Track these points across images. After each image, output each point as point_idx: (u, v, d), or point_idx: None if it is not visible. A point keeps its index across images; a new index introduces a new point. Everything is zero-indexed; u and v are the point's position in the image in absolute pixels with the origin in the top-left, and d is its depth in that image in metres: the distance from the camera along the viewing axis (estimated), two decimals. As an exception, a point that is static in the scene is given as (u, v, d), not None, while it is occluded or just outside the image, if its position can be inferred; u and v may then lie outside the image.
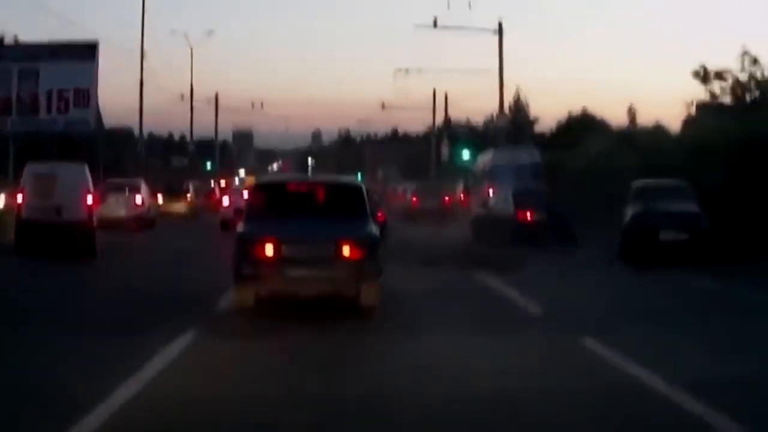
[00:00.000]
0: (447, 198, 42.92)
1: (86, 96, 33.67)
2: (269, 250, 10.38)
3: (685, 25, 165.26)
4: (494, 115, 46.46)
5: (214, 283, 13.60)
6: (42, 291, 13.93)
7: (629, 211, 19.79)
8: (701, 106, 40.89)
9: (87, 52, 33.94)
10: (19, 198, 19.70)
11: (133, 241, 26.24)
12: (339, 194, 11.76)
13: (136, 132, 49.45)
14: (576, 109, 53.48)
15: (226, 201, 32.38)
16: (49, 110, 33.59)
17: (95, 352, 8.82)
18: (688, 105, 39.76)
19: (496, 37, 42.16)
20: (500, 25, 42.21)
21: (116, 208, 29.73)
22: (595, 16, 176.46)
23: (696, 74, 35.33)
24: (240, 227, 11.21)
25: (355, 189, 11.85)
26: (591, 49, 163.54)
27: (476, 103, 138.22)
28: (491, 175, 33.01)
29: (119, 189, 31.28)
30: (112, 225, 27.09)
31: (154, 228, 31.87)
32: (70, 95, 33.60)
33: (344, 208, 11.34)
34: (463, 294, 14.43)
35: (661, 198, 19.66)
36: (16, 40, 35.03)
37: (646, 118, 70.62)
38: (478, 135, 71.37)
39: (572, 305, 12.96)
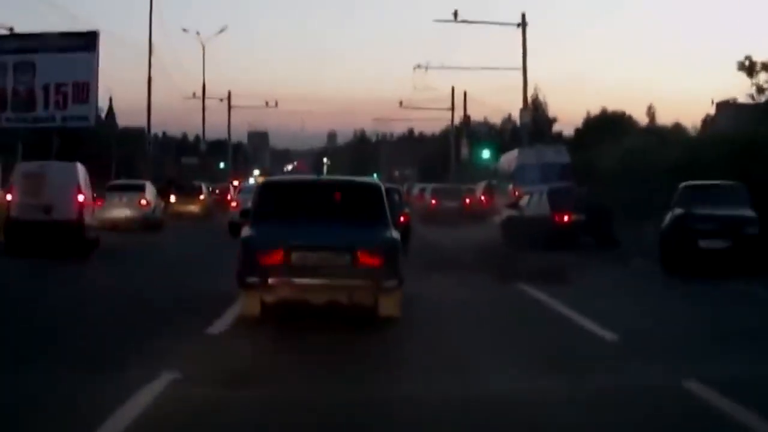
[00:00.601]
0: (467, 199, 40.45)
1: (85, 90, 31.42)
2: (277, 257, 9.54)
3: (705, 24, 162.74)
4: (518, 111, 43.89)
5: (211, 296, 11.90)
6: (13, 300, 12.44)
7: (670, 215, 17.48)
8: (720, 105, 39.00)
9: (86, 42, 31.65)
10: (8, 197, 19.51)
11: (134, 242, 24.53)
12: (355, 195, 10.86)
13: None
14: (593, 108, 51.49)
15: (234, 202, 29.74)
16: (46, 105, 31.36)
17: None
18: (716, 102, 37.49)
19: (519, 31, 40.05)
20: (523, 17, 40.22)
21: (119, 209, 28.99)
22: (610, 13, 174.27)
23: (741, 66, 32.87)
24: (245, 231, 10.26)
25: (373, 189, 10.84)
26: (607, 47, 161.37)
27: (494, 100, 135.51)
28: (517, 174, 31.70)
29: (123, 190, 30.53)
30: (115, 226, 26.92)
31: (162, 229, 30.22)
32: (69, 89, 31.38)
33: (361, 210, 10.41)
34: (507, 311, 12.06)
35: (707, 201, 17.35)
36: (11, 31, 32.54)
37: (664, 117, 68.07)
38: (497, 134, 69.23)
39: (645, 328, 10.48)
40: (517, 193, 31.06)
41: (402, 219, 16.79)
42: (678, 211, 17.26)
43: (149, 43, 43.59)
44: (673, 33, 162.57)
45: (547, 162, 32.01)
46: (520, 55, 39.82)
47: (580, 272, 16.28)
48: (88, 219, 19.85)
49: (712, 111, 66.95)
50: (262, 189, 11.15)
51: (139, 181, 32.94)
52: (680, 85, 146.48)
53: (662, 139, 31.63)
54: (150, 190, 31.28)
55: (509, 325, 10.89)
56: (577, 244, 21.44)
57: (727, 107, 65.78)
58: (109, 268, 17.60)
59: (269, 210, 10.46)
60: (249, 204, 11.56)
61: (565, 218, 22.02)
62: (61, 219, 18.89)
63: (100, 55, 31.63)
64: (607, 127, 40.00)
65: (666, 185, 19.62)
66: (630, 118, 46.11)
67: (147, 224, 29.08)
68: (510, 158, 35.97)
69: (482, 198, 43.78)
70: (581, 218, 21.99)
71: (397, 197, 19.17)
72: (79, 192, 19.35)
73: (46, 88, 31.25)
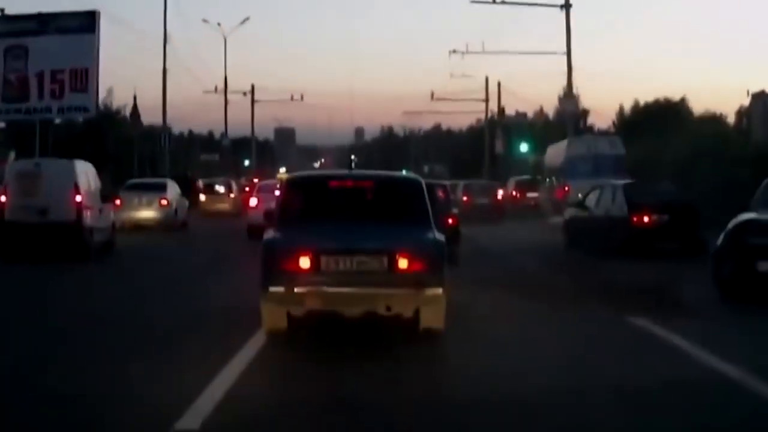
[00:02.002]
0: (498, 195, 37.67)
1: (84, 77, 27.56)
2: (305, 262, 8.43)
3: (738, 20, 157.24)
4: (551, 104, 40.01)
5: (225, 316, 10.12)
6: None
7: (734, 221, 12.20)
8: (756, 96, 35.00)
9: (85, 23, 27.71)
10: (2, 198, 18.12)
11: (153, 243, 22.56)
12: (393, 192, 9.79)
13: (174, 130, 46.06)
14: (627, 99, 47.50)
15: (253, 201, 25.44)
16: (40, 95, 27.49)
17: None
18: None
19: (561, 15, 36.03)
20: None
21: (139, 209, 27.19)
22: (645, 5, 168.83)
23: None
24: (269, 233, 9.12)
25: (414, 185, 9.72)
26: (645, 36, 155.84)
27: (526, 92, 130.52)
28: (566, 168, 29.42)
29: (142, 189, 28.26)
30: (136, 227, 25.93)
31: (185, 230, 27.81)
32: (66, 77, 27.50)
33: (400, 209, 9.42)
34: (629, 364, 7.83)
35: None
36: (1, 13, 28.43)
37: (697, 107, 63.92)
38: (530, 125, 64.99)
39: None
40: (567, 188, 28.19)
41: (450, 221, 14.44)
42: (746, 216, 12.15)
43: (164, 32, 40.54)
44: (703, 26, 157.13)
45: (600, 153, 29.03)
46: (558, 40, 36.07)
47: (688, 290, 12.15)
48: (90, 221, 18.28)
49: (746, 102, 63.25)
50: (287, 186, 10.05)
51: (161, 180, 30.77)
52: (711, 76, 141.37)
53: (732, 129, 27.57)
54: (172, 189, 28.87)
55: (649, 398, 6.70)
56: (655, 249, 17.48)
57: (762, 97, 62.10)
58: (104, 279, 15.29)
59: (295, 210, 9.52)
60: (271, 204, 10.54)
61: (646, 219, 17.81)
62: (58, 221, 17.62)
63: (114, 45, 27.96)
64: (661, 116, 35.70)
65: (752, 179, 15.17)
66: (686, 106, 41.50)
67: (168, 224, 27.06)
68: (558, 150, 32.69)
69: (514, 194, 40.66)
70: (665, 219, 17.81)
71: (442, 195, 16.07)
72: (77, 192, 17.86)
73: (40, 76, 27.45)
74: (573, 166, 28.96)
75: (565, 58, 36.60)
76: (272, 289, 8.45)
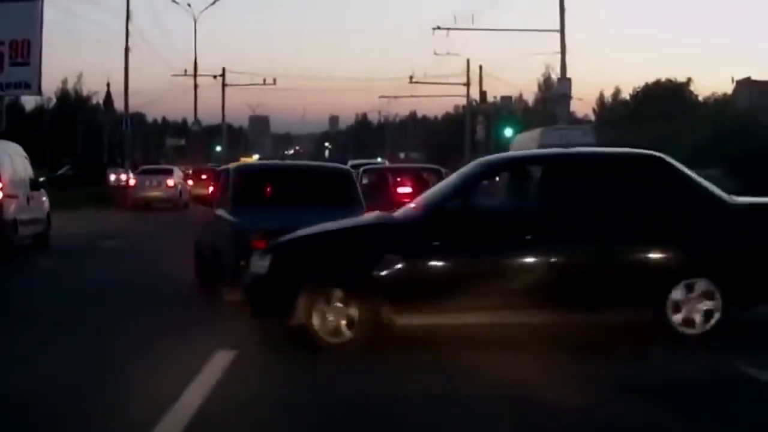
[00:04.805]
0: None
1: (26, 49, 23.59)
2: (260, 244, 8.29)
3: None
4: (529, 91, 36.82)
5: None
6: None
7: None
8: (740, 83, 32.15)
9: (26, -10, 23.77)
10: None
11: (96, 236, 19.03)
12: (326, 181, 10.65)
13: (148, 117, 44.04)
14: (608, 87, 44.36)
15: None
16: (-27, 70, 23.55)
17: None
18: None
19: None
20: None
21: (150, 189, 31.65)
22: None
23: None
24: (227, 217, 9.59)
25: (345, 175, 10.76)
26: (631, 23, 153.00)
27: (516, 74, 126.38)
28: None
29: (152, 173, 33.23)
30: (147, 205, 30.63)
31: (188, 210, 26.74)
32: (5, 49, 23.51)
33: (334, 195, 10.04)
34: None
35: None
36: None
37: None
38: (511, 113, 61.72)
39: None
40: None
41: None
42: None
43: (127, 10, 36.76)
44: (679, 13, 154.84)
45: (572, 143, 26.84)
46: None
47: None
48: (13, 212, 15.26)
49: (729, 90, 60.66)
50: (236, 175, 10.64)
51: (168, 166, 36.29)
52: (693, 64, 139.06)
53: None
54: (177, 174, 33.73)
55: None
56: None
57: (747, 84, 59.42)
58: (19, 285, 12.13)
59: (245, 195, 10.07)
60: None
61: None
62: None
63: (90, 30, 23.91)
64: (665, 97, 32.34)
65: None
66: (689, 89, 38.06)
67: (174, 203, 30.90)
68: (527, 139, 30.42)
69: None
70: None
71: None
72: None
73: (-28, 49, 23.48)
74: None
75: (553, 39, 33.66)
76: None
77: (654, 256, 7.20)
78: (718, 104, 32.61)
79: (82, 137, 69.22)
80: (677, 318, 7.12)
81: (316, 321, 7.05)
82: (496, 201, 8.00)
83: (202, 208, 12.48)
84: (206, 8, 68.13)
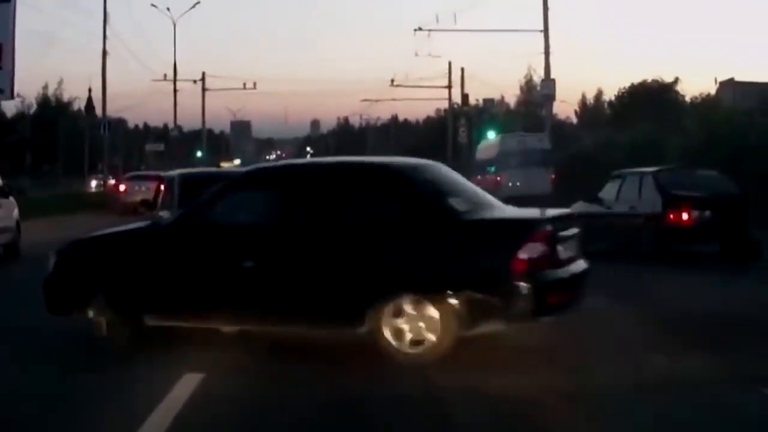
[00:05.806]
0: None
1: (-3, 53, 22.59)
2: None
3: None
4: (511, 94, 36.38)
5: None
6: None
7: None
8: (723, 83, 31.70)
9: (-4, -11, 22.76)
10: None
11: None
12: None
13: (130, 123, 44.03)
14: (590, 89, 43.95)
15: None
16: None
17: None
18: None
19: None
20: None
21: (137, 194, 31.47)
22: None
23: None
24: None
25: None
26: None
27: (498, 75, 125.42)
28: (500, 161, 29.55)
29: (141, 179, 34.43)
30: (135, 209, 28.66)
31: None
32: (-25, 52, 22.55)
33: None
34: None
35: None
36: None
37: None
38: (492, 116, 61.13)
39: None
40: (499, 179, 28.16)
41: None
42: None
43: (104, 12, 35.94)
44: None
45: (530, 148, 29.13)
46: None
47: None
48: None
49: (712, 91, 60.36)
50: (182, 181, 11.30)
51: (157, 172, 35.37)
52: (676, 64, 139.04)
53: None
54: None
55: None
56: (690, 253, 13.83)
57: (731, 85, 59.15)
58: None
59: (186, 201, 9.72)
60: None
61: (685, 216, 13.66)
62: None
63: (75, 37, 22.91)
64: (652, 97, 31.73)
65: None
66: (676, 90, 37.41)
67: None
68: (490, 145, 32.63)
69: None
70: (708, 216, 13.69)
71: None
72: None
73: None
74: (505, 159, 29.19)
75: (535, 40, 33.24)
76: None
77: (361, 270, 6.63)
78: (707, 104, 32.12)
79: (63, 143, 68.31)
80: (390, 334, 6.52)
81: (99, 325, 7.25)
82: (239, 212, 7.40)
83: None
84: (185, 12, 67.29)
